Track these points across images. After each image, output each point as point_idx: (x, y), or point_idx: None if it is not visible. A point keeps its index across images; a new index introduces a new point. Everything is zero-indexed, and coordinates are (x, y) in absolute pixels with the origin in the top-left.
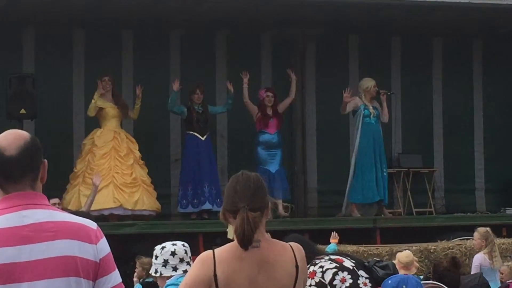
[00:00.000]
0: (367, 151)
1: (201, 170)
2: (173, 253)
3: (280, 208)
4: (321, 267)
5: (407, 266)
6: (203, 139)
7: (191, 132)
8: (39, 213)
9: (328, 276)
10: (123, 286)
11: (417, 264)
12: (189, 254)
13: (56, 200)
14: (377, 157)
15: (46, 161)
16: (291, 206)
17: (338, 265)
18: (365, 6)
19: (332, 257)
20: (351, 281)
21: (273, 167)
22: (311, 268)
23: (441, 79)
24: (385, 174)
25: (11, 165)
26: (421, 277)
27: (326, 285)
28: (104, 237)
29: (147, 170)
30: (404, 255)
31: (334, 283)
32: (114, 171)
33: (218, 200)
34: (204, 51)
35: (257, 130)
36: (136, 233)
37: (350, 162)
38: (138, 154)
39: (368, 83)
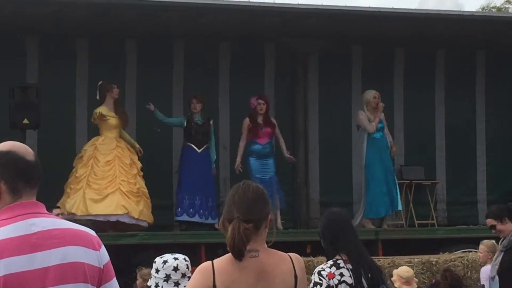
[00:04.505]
0: (375, 167)
1: (194, 182)
2: (175, 268)
3: (278, 220)
4: (341, 274)
5: (408, 281)
6: (199, 151)
7: (188, 144)
8: (44, 221)
9: None
10: None
11: (416, 279)
12: (190, 268)
13: (58, 211)
14: (387, 171)
15: None
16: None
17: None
18: (369, 18)
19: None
20: None
21: (266, 174)
22: (333, 269)
23: (444, 90)
24: (396, 185)
25: (32, 169)
26: None
27: None
28: (103, 244)
29: (144, 182)
30: (405, 270)
31: None
32: (120, 179)
33: (213, 212)
34: (207, 62)
35: (249, 140)
36: (137, 244)
37: (352, 173)
38: (139, 165)
39: (367, 94)
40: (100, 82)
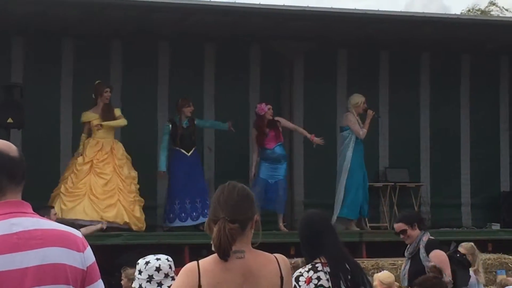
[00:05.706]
0: (357, 171)
1: (186, 186)
2: (158, 269)
3: (280, 224)
4: (318, 278)
5: (389, 286)
6: (188, 154)
7: (177, 148)
8: (27, 220)
9: None
10: None
11: (397, 283)
12: (173, 268)
13: (55, 211)
14: (365, 176)
15: None
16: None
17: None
18: (354, 20)
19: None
20: None
21: (273, 178)
22: (310, 273)
23: (429, 93)
24: (366, 191)
25: (16, 165)
26: None
27: None
28: (89, 246)
29: (106, 180)
30: (386, 276)
31: None
32: (64, 182)
33: (206, 211)
34: (192, 63)
35: (260, 148)
36: (122, 244)
37: (337, 176)
38: (95, 160)
39: (358, 99)
40: (96, 82)
